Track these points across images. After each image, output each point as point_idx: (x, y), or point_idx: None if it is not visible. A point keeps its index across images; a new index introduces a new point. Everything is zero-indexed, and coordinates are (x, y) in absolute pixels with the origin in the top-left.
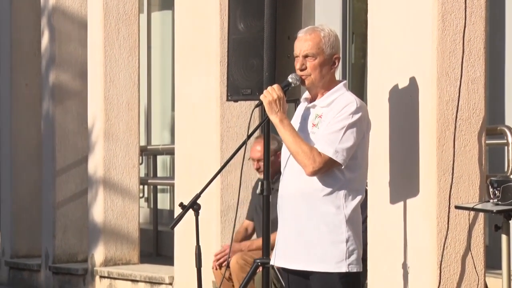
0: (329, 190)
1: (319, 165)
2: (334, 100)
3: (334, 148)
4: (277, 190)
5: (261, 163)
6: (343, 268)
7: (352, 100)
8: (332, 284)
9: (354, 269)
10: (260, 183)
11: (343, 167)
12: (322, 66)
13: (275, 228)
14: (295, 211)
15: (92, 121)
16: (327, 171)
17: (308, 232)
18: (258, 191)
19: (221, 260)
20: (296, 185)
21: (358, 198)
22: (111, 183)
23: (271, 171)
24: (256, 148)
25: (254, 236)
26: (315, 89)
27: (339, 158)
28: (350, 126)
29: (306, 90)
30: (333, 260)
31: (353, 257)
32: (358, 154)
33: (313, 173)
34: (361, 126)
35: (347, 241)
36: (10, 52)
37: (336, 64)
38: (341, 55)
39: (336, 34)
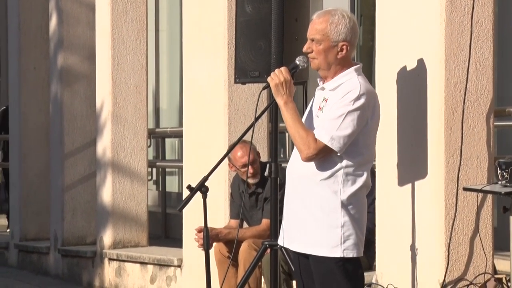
0: (326, 175)
1: (313, 151)
2: (341, 84)
3: (331, 135)
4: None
5: (255, 165)
6: (338, 253)
7: (356, 86)
8: (330, 268)
9: (349, 254)
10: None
11: (339, 154)
12: (327, 52)
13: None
14: (296, 194)
15: (100, 104)
16: (323, 157)
17: (305, 215)
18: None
19: (200, 242)
20: (297, 168)
21: (359, 183)
22: (119, 166)
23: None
24: (240, 155)
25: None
26: (323, 71)
27: (334, 146)
28: (350, 113)
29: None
30: (328, 244)
31: (349, 242)
32: (359, 140)
33: (308, 159)
34: (364, 113)
35: (342, 226)
36: (18, 35)
37: (344, 51)
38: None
39: (349, 21)
